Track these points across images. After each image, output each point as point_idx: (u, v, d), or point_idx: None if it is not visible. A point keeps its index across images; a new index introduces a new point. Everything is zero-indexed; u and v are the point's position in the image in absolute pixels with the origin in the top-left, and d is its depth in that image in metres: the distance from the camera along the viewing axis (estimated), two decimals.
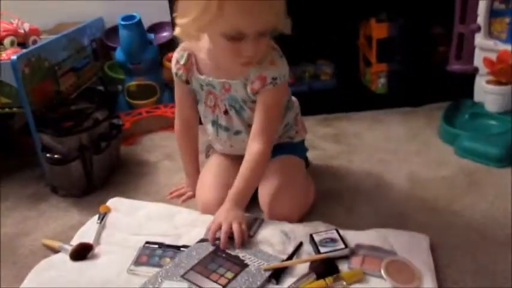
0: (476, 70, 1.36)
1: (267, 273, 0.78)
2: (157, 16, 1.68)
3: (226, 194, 0.90)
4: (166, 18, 1.48)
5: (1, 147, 1.41)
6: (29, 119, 1.12)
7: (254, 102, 0.93)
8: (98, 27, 1.66)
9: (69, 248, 0.87)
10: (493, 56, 1.26)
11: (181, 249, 0.86)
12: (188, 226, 0.93)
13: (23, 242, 0.98)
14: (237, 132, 0.99)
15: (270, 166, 0.95)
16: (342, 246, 0.82)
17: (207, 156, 1.13)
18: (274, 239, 0.86)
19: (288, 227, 0.90)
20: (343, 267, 0.79)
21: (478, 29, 1.32)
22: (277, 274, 0.78)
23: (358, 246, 0.84)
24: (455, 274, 0.79)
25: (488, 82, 1.29)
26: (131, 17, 1.57)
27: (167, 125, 1.49)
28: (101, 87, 1.64)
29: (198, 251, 0.83)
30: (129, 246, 0.88)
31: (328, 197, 1.05)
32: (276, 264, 0.79)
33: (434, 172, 1.14)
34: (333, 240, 0.84)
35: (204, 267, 0.80)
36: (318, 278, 0.76)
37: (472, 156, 1.18)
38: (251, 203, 0.95)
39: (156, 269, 0.80)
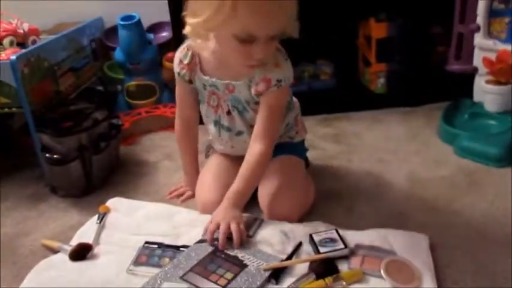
0: (475, 70, 1.36)
1: (267, 273, 0.77)
2: (156, 16, 1.68)
3: None
4: (166, 18, 1.48)
5: (1, 147, 1.41)
6: (28, 119, 1.12)
7: (257, 103, 0.93)
8: (98, 27, 1.66)
9: (69, 248, 0.87)
10: (493, 56, 1.26)
11: (181, 249, 0.86)
12: (187, 226, 0.93)
13: (23, 242, 0.98)
14: (239, 133, 0.99)
15: (270, 166, 0.95)
16: (342, 246, 0.82)
17: (207, 156, 1.13)
18: (274, 239, 0.86)
19: (287, 227, 0.90)
20: (343, 267, 0.79)
21: (478, 28, 1.32)
22: (277, 274, 0.78)
23: (358, 246, 0.84)
24: (455, 274, 0.79)
25: (487, 82, 1.29)
26: (130, 17, 1.57)
27: (167, 125, 1.49)
28: (100, 87, 1.64)
29: (197, 252, 0.83)
30: (129, 246, 0.88)
31: (328, 197, 1.05)
32: (275, 264, 0.79)
33: (434, 172, 1.14)
34: (332, 240, 0.84)
35: (204, 268, 0.80)
36: (317, 278, 0.76)
37: (472, 156, 1.18)
38: (251, 203, 0.95)
39: (156, 269, 0.80)
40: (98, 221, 0.96)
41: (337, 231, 0.87)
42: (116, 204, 1.04)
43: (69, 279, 0.81)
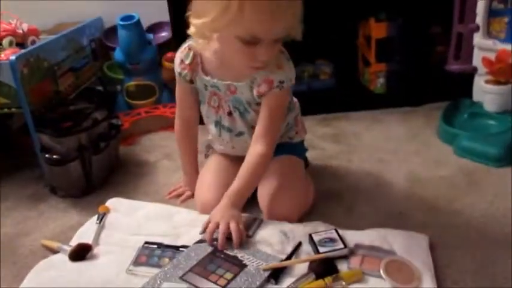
0: (475, 70, 1.36)
1: (266, 273, 0.77)
2: (156, 16, 1.68)
3: None
4: (165, 18, 1.48)
5: (0, 148, 1.41)
6: (28, 119, 1.12)
7: (259, 104, 0.93)
8: (97, 27, 1.66)
9: (68, 249, 0.87)
10: (492, 56, 1.26)
11: (180, 249, 0.86)
12: (187, 226, 0.93)
13: (23, 242, 0.98)
14: (240, 134, 0.99)
15: (269, 166, 0.95)
16: (341, 246, 0.82)
17: (206, 156, 1.13)
18: (273, 239, 0.86)
19: (287, 227, 0.90)
20: (342, 267, 0.79)
21: (477, 28, 1.32)
22: (276, 274, 0.78)
23: (357, 246, 0.84)
24: (454, 274, 0.79)
25: (487, 82, 1.29)
26: (130, 17, 1.57)
27: (166, 125, 1.49)
28: (100, 88, 1.64)
29: (196, 252, 0.83)
30: (128, 246, 0.88)
31: (327, 197, 1.05)
32: (275, 264, 0.79)
33: (434, 172, 1.14)
34: (332, 240, 0.84)
35: (203, 268, 0.79)
36: (317, 278, 0.76)
37: (471, 155, 1.18)
38: (250, 203, 0.95)
39: (155, 269, 0.80)
40: (98, 221, 0.96)
41: (336, 231, 0.87)
42: (115, 204, 1.04)
43: (68, 280, 0.81)
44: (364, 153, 1.27)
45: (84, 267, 0.84)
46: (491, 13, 1.31)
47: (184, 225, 0.94)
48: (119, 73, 1.69)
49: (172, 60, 1.58)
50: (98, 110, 1.20)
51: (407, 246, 0.83)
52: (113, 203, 1.04)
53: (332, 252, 0.81)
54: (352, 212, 0.99)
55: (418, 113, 1.50)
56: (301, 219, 0.95)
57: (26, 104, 1.11)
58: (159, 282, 0.77)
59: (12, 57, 1.08)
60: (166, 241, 0.89)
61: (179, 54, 0.96)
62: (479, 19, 1.31)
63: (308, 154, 1.15)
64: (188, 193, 1.09)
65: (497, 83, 1.27)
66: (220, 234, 0.84)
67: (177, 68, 0.97)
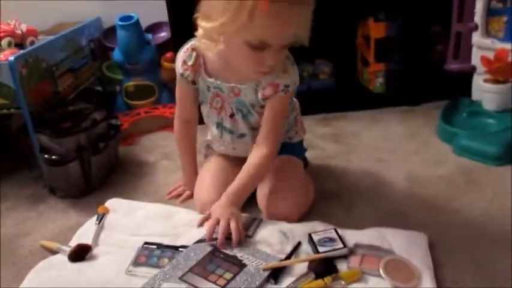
0: (473, 69, 1.36)
1: (266, 273, 0.77)
2: (155, 16, 1.68)
3: None
4: (164, 18, 1.48)
5: None
6: (27, 120, 1.12)
7: (262, 107, 0.93)
8: (96, 28, 1.66)
9: (68, 249, 0.87)
10: (491, 55, 1.26)
11: (180, 249, 0.86)
12: (186, 226, 0.93)
13: (22, 242, 0.98)
14: (241, 135, 0.99)
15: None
16: (341, 245, 0.82)
17: (206, 156, 1.13)
18: (273, 238, 0.86)
19: (286, 226, 0.90)
20: (342, 266, 0.79)
21: (476, 27, 1.32)
22: (276, 274, 0.78)
23: (357, 246, 0.84)
24: (454, 273, 0.79)
25: (485, 81, 1.29)
26: (129, 18, 1.57)
27: (165, 125, 1.49)
28: (99, 88, 1.64)
29: (196, 252, 0.83)
30: (128, 246, 0.88)
31: (327, 196, 1.05)
32: (274, 263, 0.79)
33: (433, 171, 1.14)
34: (331, 240, 0.84)
35: (203, 268, 0.79)
36: (316, 278, 0.76)
37: (470, 154, 1.18)
38: (250, 202, 0.95)
39: (155, 270, 0.80)
40: (97, 222, 0.96)
41: (336, 231, 0.87)
42: (114, 204, 1.04)
43: (68, 280, 0.81)
44: (363, 152, 1.27)
45: (84, 268, 0.84)
46: (490, 12, 1.31)
47: (184, 225, 0.94)
48: (118, 73, 1.69)
49: (171, 61, 1.60)
50: (97, 110, 1.20)
51: (407, 245, 0.83)
52: (112, 203, 1.04)
53: (331, 251, 0.81)
54: (352, 212, 0.99)
55: (417, 112, 1.50)
56: (301, 219, 0.95)
57: (25, 105, 1.11)
58: (158, 282, 0.77)
59: (11, 58, 1.08)
60: (166, 241, 0.89)
61: (181, 55, 0.96)
62: (478, 18, 1.32)
63: (307, 154, 1.15)
64: (187, 193, 1.09)
65: (496, 81, 1.27)
66: (220, 232, 0.84)
67: (179, 68, 0.96)
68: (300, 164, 1.05)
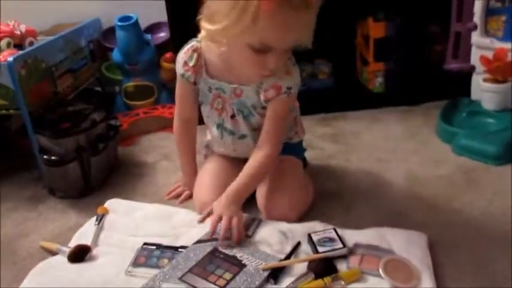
0: (473, 68, 1.36)
1: (265, 273, 0.77)
2: (154, 17, 1.68)
3: None
4: (163, 18, 1.48)
5: None
6: (26, 121, 1.12)
7: (264, 108, 0.93)
8: (95, 28, 1.66)
9: (67, 250, 0.87)
10: (490, 54, 1.26)
11: (179, 250, 0.86)
12: (186, 227, 0.93)
13: (22, 243, 0.98)
14: (242, 137, 0.99)
15: None
16: (340, 245, 0.82)
17: (206, 156, 1.13)
18: (272, 238, 0.86)
19: (286, 226, 0.90)
20: (342, 266, 0.79)
21: (475, 27, 1.32)
22: (276, 274, 0.78)
23: (356, 246, 0.84)
24: (454, 273, 0.79)
25: (485, 80, 1.29)
26: (128, 18, 1.57)
27: (165, 125, 1.49)
28: (98, 88, 1.64)
29: (195, 253, 0.83)
30: (127, 247, 0.88)
31: (326, 196, 1.05)
32: (274, 263, 0.79)
33: (433, 170, 1.14)
34: (331, 240, 0.84)
35: (202, 268, 0.79)
36: (316, 278, 0.76)
37: (470, 154, 1.18)
38: (249, 203, 0.95)
39: (154, 270, 0.80)
40: (97, 223, 0.96)
41: (335, 231, 0.87)
42: (114, 205, 1.04)
43: (68, 281, 0.81)
44: (363, 152, 1.27)
45: (83, 269, 0.84)
46: (489, 12, 1.31)
47: (183, 226, 0.94)
48: (117, 74, 1.69)
49: (170, 61, 1.60)
50: (96, 111, 1.20)
51: (406, 245, 0.83)
52: (111, 204, 1.04)
53: (331, 251, 0.81)
54: (351, 212, 0.99)
55: (417, 112, 1.50)
56: (300, 219, 0.95)
57: (24, 106, 1.11)
58: (158, 283, 0.77)
59: (10, 59, 1.08)
60: (165, 242, 0.89)
61: (182, 56, 0.95)
62: (477, 18, 1.32)
63: (307, 154, 1.15)
64: (187, 193, 1.09)
65: (495, 81, 1.27)
66: (222, 229, 0.84)
67: (180, 69, 0.96)
68: (299, 164, 1.05)
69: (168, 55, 1.63)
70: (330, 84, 1.67)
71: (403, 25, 1.50)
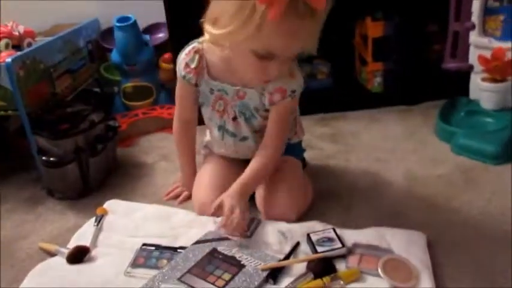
0: (471, 68, 1.36)
1: (264, 273, 0.78)
2: (152, 17, 1.68)
3: None
4: (162, 19, 1.48)
5: None
6: (25, 122, 1.12)
7: (266, 110, 0.94)
8: (94, 29, 1.66)
9: (66, 251, 0.87)
10: (488, 54, 1.26)
11: (179, 250, 0.86)
12: (185, 227, 0.93)
13: (21, 245, 0.97)
14: (244, 138, 0.99)
15: None
16: (339, 245, 0.82)
17: (205, 156, 1.13)
18: (271, 238, 0.86)
19: (285, 226, 0.90)
20: (341, 266, 0.79)
21: (473, 26, 1.32)
22: (275, 274, 0.78)
23: (355, 245, 0.84)
24: (453, 272, 0.79)
25: (483, 79, 1.29)
26: (126, 19, 1.57)
27: (164, 126, 1.49)
28: (97, 89, 1.63)
29: (194, 253, 0.83)
30: (126, 248, 0.88)
31: (326, 196, 1.05)
32: (273, 264, 0.79)
33: (431, 170, 1.14)
34: (330, 240, 0.84)
35: (201, 269, 0.79)
36: (315, 278, 0.76)
37: (469, 153, 1.18)
38: (248, 203, 0.95)
39: (153, 271, 0.80)
40: (95, 224, 0.96)
41: (334, 231, 0.87)
42: (113, 206, 1.03)
43: (67, 282, 0.81)
44: (361, 152, 1.27)
45: (82, 270, 0.84)
46: (487, 11, 1.31)
47: (182, 227, 0.94)
48: (116, 74, 1.69)
49: (169, 61, 1.60)
50: (95, 111, 1.20)
51: (405, 244, 0.83)
52: (110, 204, 1.04)
53: (330, 251, 0.81)
54: (350, 211, 0.99)
55: (415, 111, 1.50)
56: (299, 219, 0.95)
57: (23, 106, 1.11)
58: (157, 283, 0.77)
59: (8, 60, 1.07)
60: (164, 242, 0.88)
61: (184, 57, 0.94)
62: (475, 17, 1.32)
63: (306, 154, 1.15)
64: (186, 194, 1.08)
65: (494, 80, 1.27)
66: (237, 223, 0.83)
67: (182, 71, 0.95)
68: (298, 164, 1.05)
69: (166, 56, 1.63)
70: (329, 84, 1.67)
71: (402, 25, 1.50)
